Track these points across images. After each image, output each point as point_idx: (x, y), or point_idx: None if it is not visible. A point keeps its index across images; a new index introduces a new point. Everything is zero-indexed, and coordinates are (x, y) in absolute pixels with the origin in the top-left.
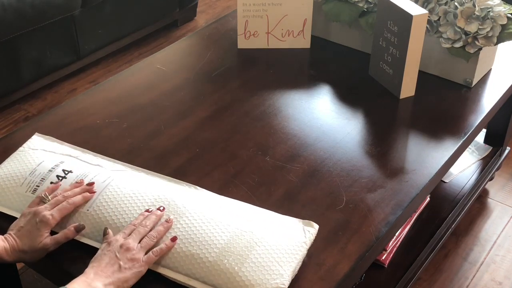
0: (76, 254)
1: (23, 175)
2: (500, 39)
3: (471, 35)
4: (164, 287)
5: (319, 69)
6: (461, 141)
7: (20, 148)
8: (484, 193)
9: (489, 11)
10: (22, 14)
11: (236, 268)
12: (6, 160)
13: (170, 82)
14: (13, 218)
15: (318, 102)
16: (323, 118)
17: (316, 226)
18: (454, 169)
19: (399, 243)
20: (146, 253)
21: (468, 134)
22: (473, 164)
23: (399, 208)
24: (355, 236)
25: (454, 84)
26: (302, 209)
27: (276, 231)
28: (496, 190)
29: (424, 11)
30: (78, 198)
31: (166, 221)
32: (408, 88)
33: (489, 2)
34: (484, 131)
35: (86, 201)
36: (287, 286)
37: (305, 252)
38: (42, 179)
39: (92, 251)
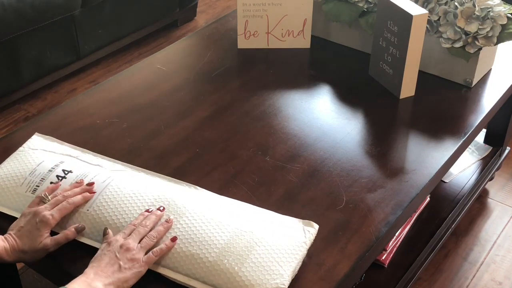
0: (76, 254)
1: (23, 175)
2: (500, 39)
3: (471, 35)
4: (164, 287)
5: (319, 69)
6: (461, 141)
7: (20, 148)
8: (484, 193)
9: (489, 11)
10: (22, 14)
11: (236, 268)
12: (6, 160)
13: (170, 82)
14: (13, 218)
15: (318, 102)
16: (323, 118)
17: (316, 226)
18: (454, 169)
19: (399, 243)
20: (146, 253)
21: (468, 134)
22: (473, 164)
23: (399, 208)
24: (355, 236)
25: (454, 84)
26: (302, 209)
27: (276, 231)
28: (496, 190)
29: (424, 11)
30: (78, 198)
31: (166, 221)
32: (408, 88)
33: (489, 2)
34: (484, 131)
35: (86, 201)
36: (287, 286)
37: (305, 252)
38: (42, 179)
39: (92, 251)
